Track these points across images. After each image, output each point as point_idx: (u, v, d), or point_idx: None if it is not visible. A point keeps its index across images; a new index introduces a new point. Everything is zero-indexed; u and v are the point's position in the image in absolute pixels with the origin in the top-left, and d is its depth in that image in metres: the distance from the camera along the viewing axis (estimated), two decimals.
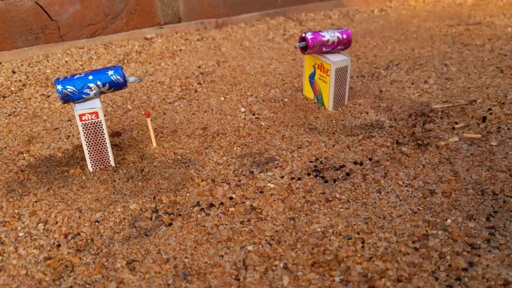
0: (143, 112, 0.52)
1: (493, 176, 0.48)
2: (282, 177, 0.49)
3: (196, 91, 0.72)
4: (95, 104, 0.48)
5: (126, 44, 0.93)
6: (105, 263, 0.38)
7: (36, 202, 0.46)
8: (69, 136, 0.59)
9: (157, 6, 0.97)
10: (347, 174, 0.49)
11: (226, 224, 0.42)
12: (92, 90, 0.48)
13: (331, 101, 0.63)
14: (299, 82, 0.73)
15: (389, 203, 0.44)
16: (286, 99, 0.67)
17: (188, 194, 0.46)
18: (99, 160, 0.50)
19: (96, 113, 0.48)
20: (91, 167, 0.50)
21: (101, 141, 0.49)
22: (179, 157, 0.53)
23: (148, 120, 0.52)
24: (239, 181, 0.48)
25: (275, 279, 0.36)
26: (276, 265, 0.37)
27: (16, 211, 0.45)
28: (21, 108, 0.68)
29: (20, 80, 0.77)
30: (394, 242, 0.39)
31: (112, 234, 0.41)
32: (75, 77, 0.48)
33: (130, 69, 0.81)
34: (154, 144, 0.54)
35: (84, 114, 0.47)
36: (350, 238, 0.40)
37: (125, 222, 0.43)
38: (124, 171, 0.51)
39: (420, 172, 0.49)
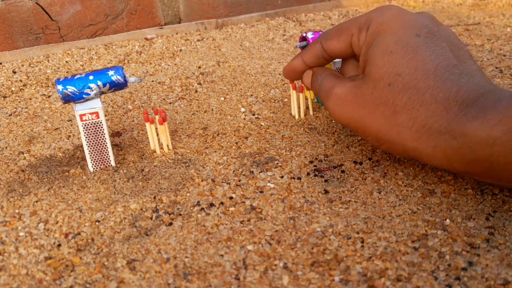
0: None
1: None
2: (282, 177, 0.49)
3: (196, 91, 0.72)
4: (96, 104, 0.48)
5: (127, 45, 0.93)
6: (106, 263, 0.38)
7: (36, 202, 0.46)
8: (69, 136, 0.59)
9: (157, 7, 0.97)
10: (347, 174, 0.49)
11: (226, 224, 0.42)
12: (92, 90, 0.48)
13: None
14: (299, 82, 0.73)
15: (388, 203, 0.44)
16: (286, 99, 0.67)
17: (188, 194, 0.47)
18: (100, 160, 0.50)
19: (97, 113, 0.48)
20: (92, 167, 0.51)
21: (102, 141, 0.49)
22: (179, 157, 0.53)
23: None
24: (239, 181, 0.48)
25: (275, 279, 0.36)
26: (276, 265, 0.37)
27: (16, 210, 0.45)
28: (22, 108, 0.68)
29: (21, 80, 0.77)
30: (394, 241, 0.39)
31: (113, 234, 0.41)
32: (75, 77, 0.48)
33: (131, 69, 0.82)
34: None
35: (84, 114, 0.47)
36: (350, 238, 0.40)
37: (125, 221, 0.43)
38: (125, 171, 0.51)
39: (420, 172, 0.49)
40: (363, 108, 0.41)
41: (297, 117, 0.62)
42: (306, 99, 0.64)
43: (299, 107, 0.62)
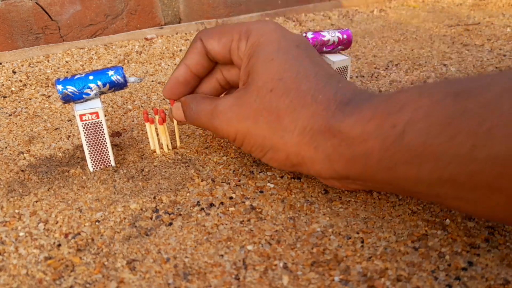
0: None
1: None
2: (282, 177, 0.49)
3: None
4: (96, 104, 0.48)
5: (127, 45, 0.93)
6: (106, 263, 0.38)
7: (36, 202, 0.46)
8: (69, 136, 0.59)
9: (157, 7, 0.97)
10: None
11: (226, 224, 0.42)
12: (92, 90, 0.48)
13: None
14: None
15: (388, 203, 0.44)
16: None
17: (188, 194, 0.47)
18: (100, 160, 0.50)
19: (97, 113, 0.48)
20: (92, 167, 0.51)
21: (102, 141, 0.49)
22: (179, 157, 0.53)
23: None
24: (239, 180, 0.48)
25: (275, 279, 0.36)
26: (276, 265, 0.37)
27: (16, 211, 0.45)
28: (22, 108, 0.68)
29: (21, 80, 0.77)
30: (394, 241, 0.39)
31: (113, 234, 0.41)
32: (75, 77, 0.48)
33: (131, 69, 0.82)
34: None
35: (84, 114, 0.47)
36: (350, 238, 0.40)
37: (125, 221, 0.43)
38: (125, 171, 0.51)
39: None
40: (247, 117, 0.41)
41: None
42: None
43: None
